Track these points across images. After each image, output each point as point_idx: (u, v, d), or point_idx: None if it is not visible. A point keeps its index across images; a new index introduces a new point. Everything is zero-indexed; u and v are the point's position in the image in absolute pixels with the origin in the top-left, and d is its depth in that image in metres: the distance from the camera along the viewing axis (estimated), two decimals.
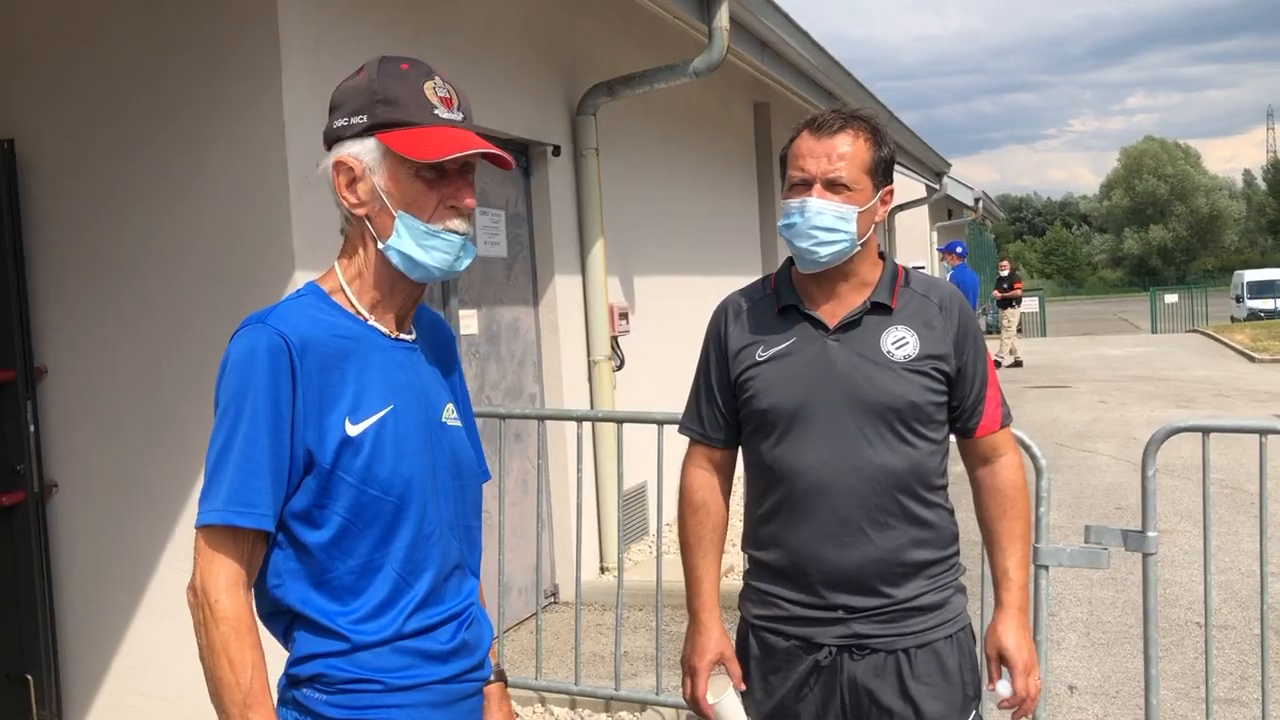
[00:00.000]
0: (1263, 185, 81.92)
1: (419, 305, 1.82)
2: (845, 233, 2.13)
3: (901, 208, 18.25)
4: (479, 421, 5.17)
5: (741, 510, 2.36)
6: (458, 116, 1.70)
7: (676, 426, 2.46)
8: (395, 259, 1.68)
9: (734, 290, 2.36)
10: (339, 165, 1.68)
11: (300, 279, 3.89)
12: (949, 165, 17.10)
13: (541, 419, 4.24)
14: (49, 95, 4.19)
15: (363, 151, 1.66)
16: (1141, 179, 75.06)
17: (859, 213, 2.14)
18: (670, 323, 7.56)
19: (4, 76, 4.23)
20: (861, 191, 2.15)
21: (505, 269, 5.70)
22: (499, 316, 5.62)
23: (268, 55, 3.90)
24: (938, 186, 17.43)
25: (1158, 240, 73.93)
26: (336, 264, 1.75)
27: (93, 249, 4.19)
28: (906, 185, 18.58)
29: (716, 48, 5.92)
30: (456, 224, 1.70)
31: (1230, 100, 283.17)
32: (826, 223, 2.12)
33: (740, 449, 2.32)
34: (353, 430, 1.63)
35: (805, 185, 2.14)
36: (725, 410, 2.28)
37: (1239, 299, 33.37)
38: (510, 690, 4.65)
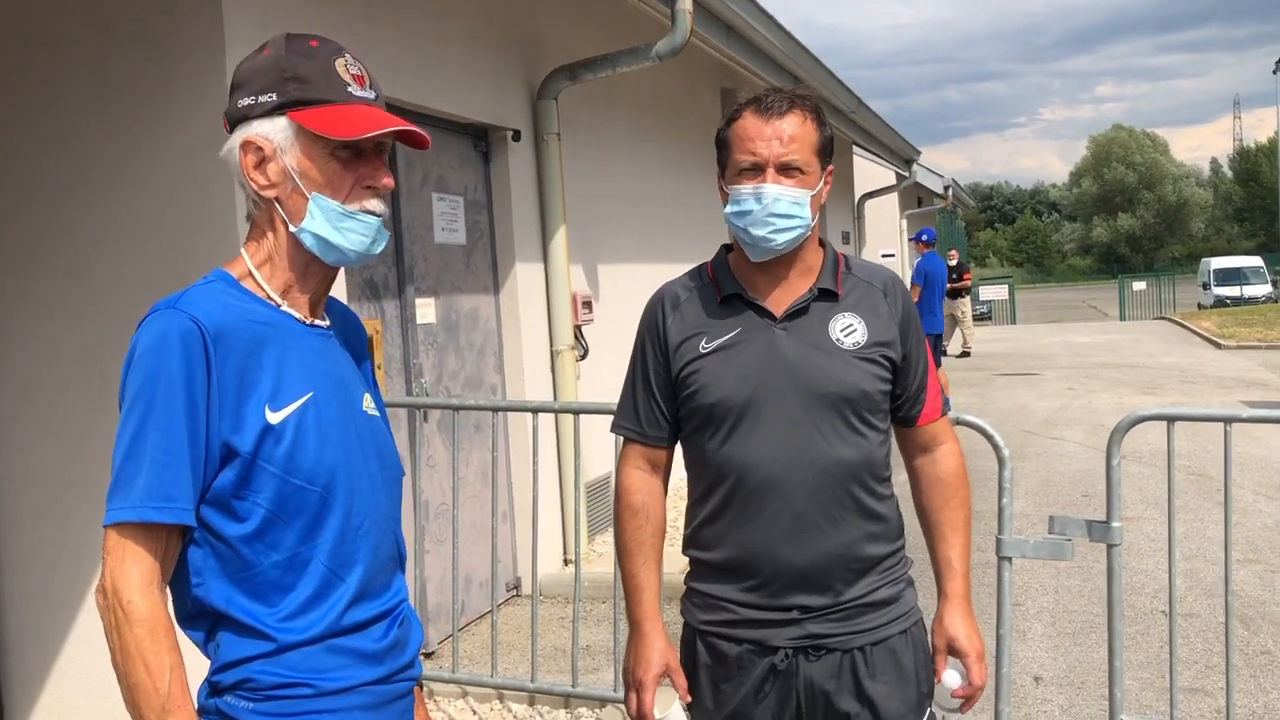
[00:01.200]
0: (1229, 174, 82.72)
1: (327, 296, 1.74)
2: (801, 218, 2.04)
3: (871, 195, 18.22)
4: (435, 413, 5.14)
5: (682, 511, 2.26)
6: (370, 94, 1.65)
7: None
8: (309, 241, 1.62)
9: (667, 281, 2.26)
10: (247, 145, 1.61)
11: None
12: (918, 153, 17.08)
13: (497, 410, 4.14)
14: None
15: (273, 131, 1.60)
16: (1110, 167, 75.57)
17: (810, 196, 2.06)
18: (635, 311, 7.42)
19: None
20: (812, 174, 2.07)
21: (464, 256, 5.59)
22: (458, 305, 5.51)
23: (211, 34, 3.77)
24: (907, 174, 17.40)
25: (1126, 228, 74.48)
26: (243, 249, 1.67)
27: (34, 240, 4.04)
28: (876, 172, 18.56)
29: (680, 31, 5.82)
30: (373, 204, 1.65)
31: (1197, 89, 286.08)
32: (783, 209, 2.03)
33: (683, 448, 2.22)
34: (273, 418, 1.55)
35: (757, 170, 2.05)
36: (664, 407, 2.18)
37: (1206, 286, 33.63)
38: (467, 687, 4.58)
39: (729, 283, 2.15)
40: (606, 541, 6.75)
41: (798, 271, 2.12)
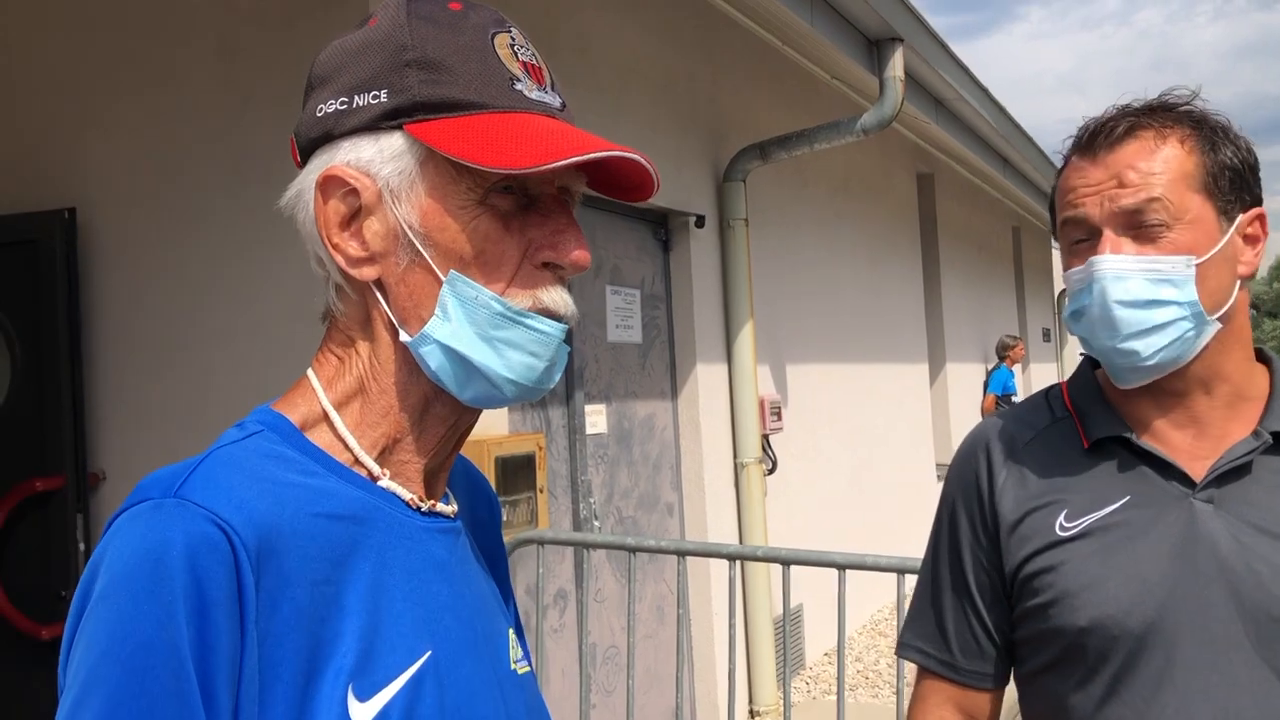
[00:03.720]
0: None
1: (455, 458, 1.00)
2: (1172, 304, 1.22)
3: None
4: (595, 556, 4.35)
5: None
6: (554, 100, 0.91)
7: (903, 630, 1.53)
8: (434, 363, 0.88)
9: (997, 414, 1.45)
10: (328, 185, 0.88)
11: None
12: None
13: (681, 554, 3.37)
14: (115, 157, 3.62)
15: (379, 157, 0.87)
16: None
17: (1197, 264, 1.22)
18: (827, 419, 6.64)
19: (68, 138, 3.68)
20: (1194, 225, 1.23)
21: (639, 357, 4.91)
22: (632, 412, 4.81)
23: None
24: None
25: None
26: (312, 373, 0.93)
27: (159, 332, 3.56)
28: None
29: (889, 101, 5.10)
30: (556, 298, 0.90)
31: None
32: (1135, 293, 1.22)
33: (1020, 692, 1.38)
34: (360, 713, 0.81)
35: (1087, 238, 1.27)
36: (992, 624, 1.36)
37: None
38: None
39: (1101, 418, 1.33)
40: (799, 689, 5.84)
41: (1220, 399, 1.29)
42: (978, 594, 1.35)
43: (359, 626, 0.81)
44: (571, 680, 4.11)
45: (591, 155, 0.84)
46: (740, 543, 5.38)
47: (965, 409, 10.09)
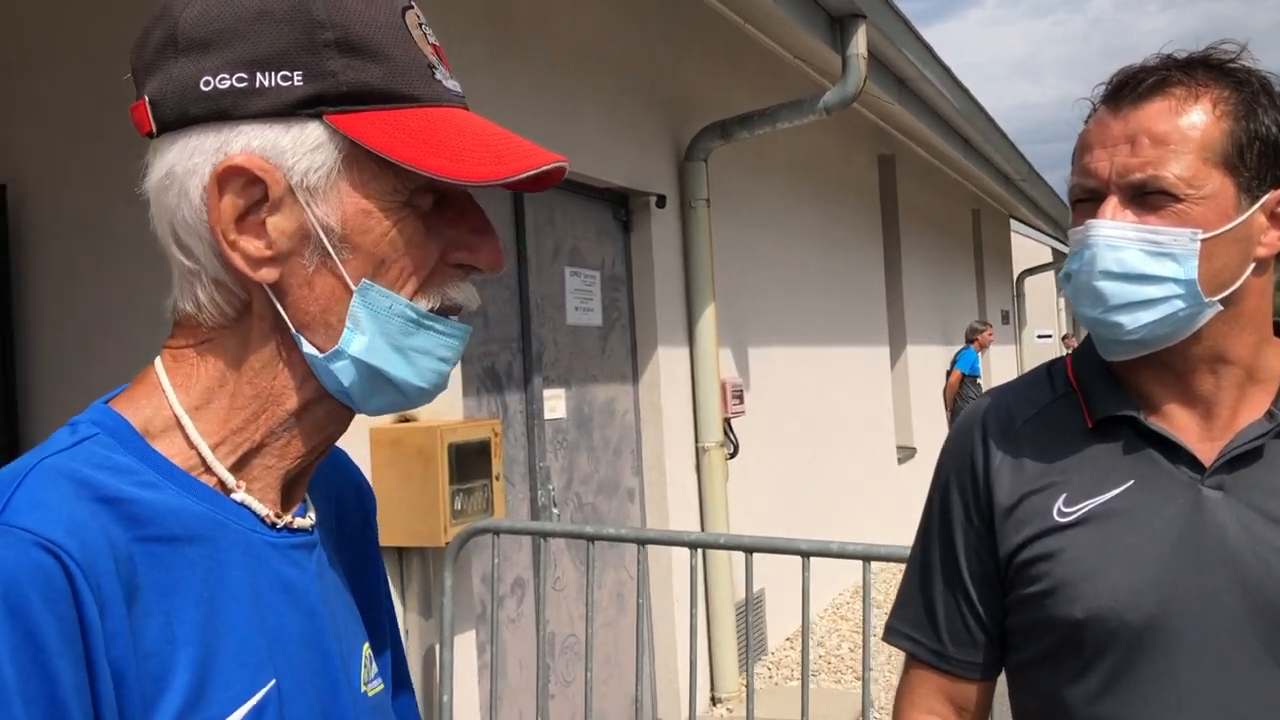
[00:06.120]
0: None
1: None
2: (1167, 280, 1.14)
3: (1031, 271, 17.03)
4: (554, 543, 4.25)
5: None
6: (458, 88, 0.83)
7: (888, 622, 1.43)
8: (347, 379, 0.80)
9: (989, 390, 1.36)
10: (230, 176, 0.77)
11: None
12: None
13: (644, 543, 3.29)
14: (47, 132, 3.46)
15: (292, 149, 0.77)
16: None
17: (1202, 240, 1.14)
18: (789, 402, 6.57)
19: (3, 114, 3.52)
20: (1208, 200, 1.14)
21: (599, 340, 4.80)
22: (592, 397, 4.71)
23: None
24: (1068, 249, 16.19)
25: None
26: (162, 371, 0.82)
27: (92, 311, 3.41)
28: (1032, 249, 17.41)
29: (852, 79, 5.03)
30: (464, 294, 0.83)
31: None
32: (1126, 263, 1.14)
33: (1011, 683, 1.30)
34: None
35: (1092, 198, 1.18)
36: (984, 611, 1.27)
37: None
38: None
39: (1107, 395, 1.23)
40: (761, 674, 5.79)
41: (1232, 379, 1.20)
42: (970, 581, 1.27)
43: (192, 659, 0.72)
44: (529, 671, 4.02)
45: (542, 168, 0.77)
46: (702, 528, 5.31)
47: (926, 392, 10.09)
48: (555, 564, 4.31)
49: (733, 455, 5.63)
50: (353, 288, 0.78)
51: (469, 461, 3.21)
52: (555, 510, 4.27)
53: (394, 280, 0.79)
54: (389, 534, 3.11)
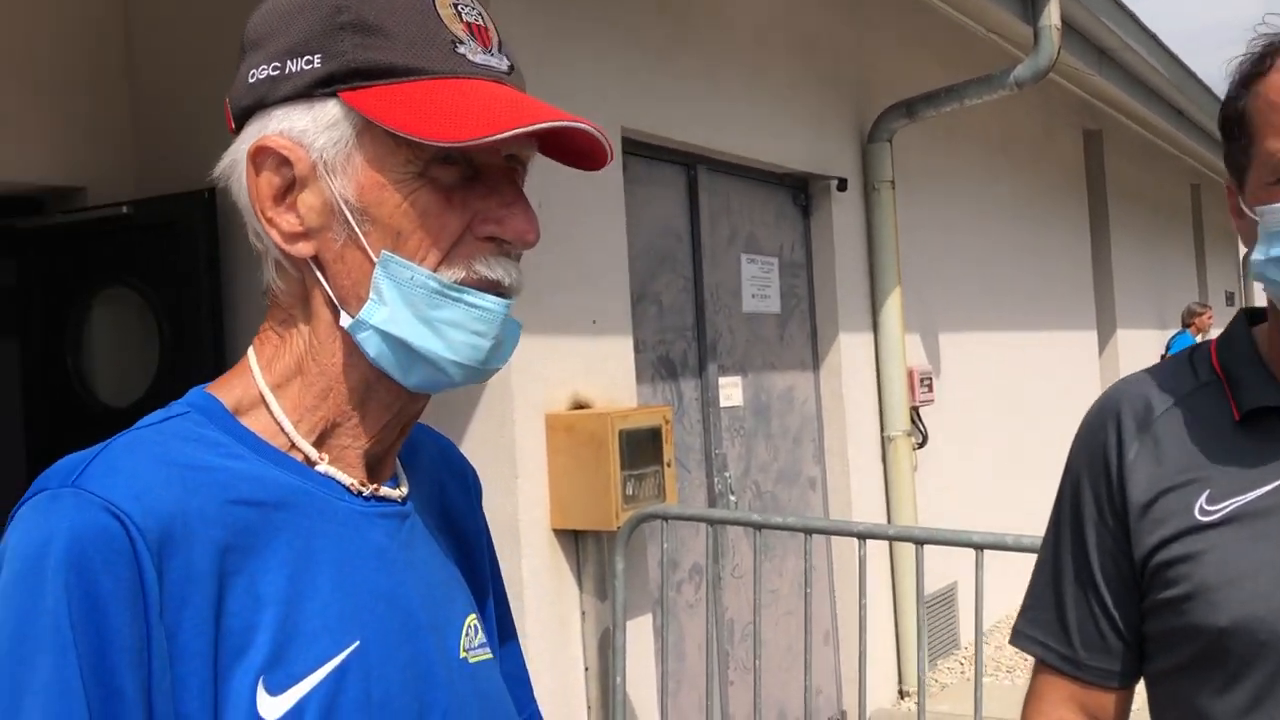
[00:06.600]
0: None
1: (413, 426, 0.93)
2: None
3: None
4: (732, 530, 4.24)
5: None
6: (500, 63, 0.85)
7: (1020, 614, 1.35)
8: (372, 349, 0.83)
9: (1126, 377, 1.27)
10: (260, 156, 0.83)
11: (518, 347, 3.13)
12: None
13: (809, 532, 3.25)
14: None
15: (312, 127, 0.82)
16: None
17: None
18: (985, 390, 6.34)
19: (206, 119, 3.78)
20: None
21: (778, 327, 4.76)
22: (769, 384, 4.68)
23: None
24: None
25: None
26: (252, 353, 0.88)
27: None
28: None
29: (1044, 52, 4.78)
30: (497, 271, 0.84)
31: None
32: None
33: (1150, 693, 1.22)
34: (271, 708, 0.76)
35: None
36: (1119, 616, 1.19)
37: None
38: None
39: (1257, 385, 1.14)
40: (952, 669, 5.62)
41: None
42: (1103, 583, 1.18)
43: (275, 618, 0.77)
44: (711, 655, 4.04)
45: (532, 127, 0.78)
46: (888, 519, 5.20)
47: None
48: (734, 551, 4.31)
49: (921, 445, 5.48)
50: (374, 259, 0.81)
51: (640, 448, 3.25)
52: (732, 497, 4.26)
53: (414, 252, 0.81)
54: (564, 517, 3.19)
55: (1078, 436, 1.26)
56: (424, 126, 0.77)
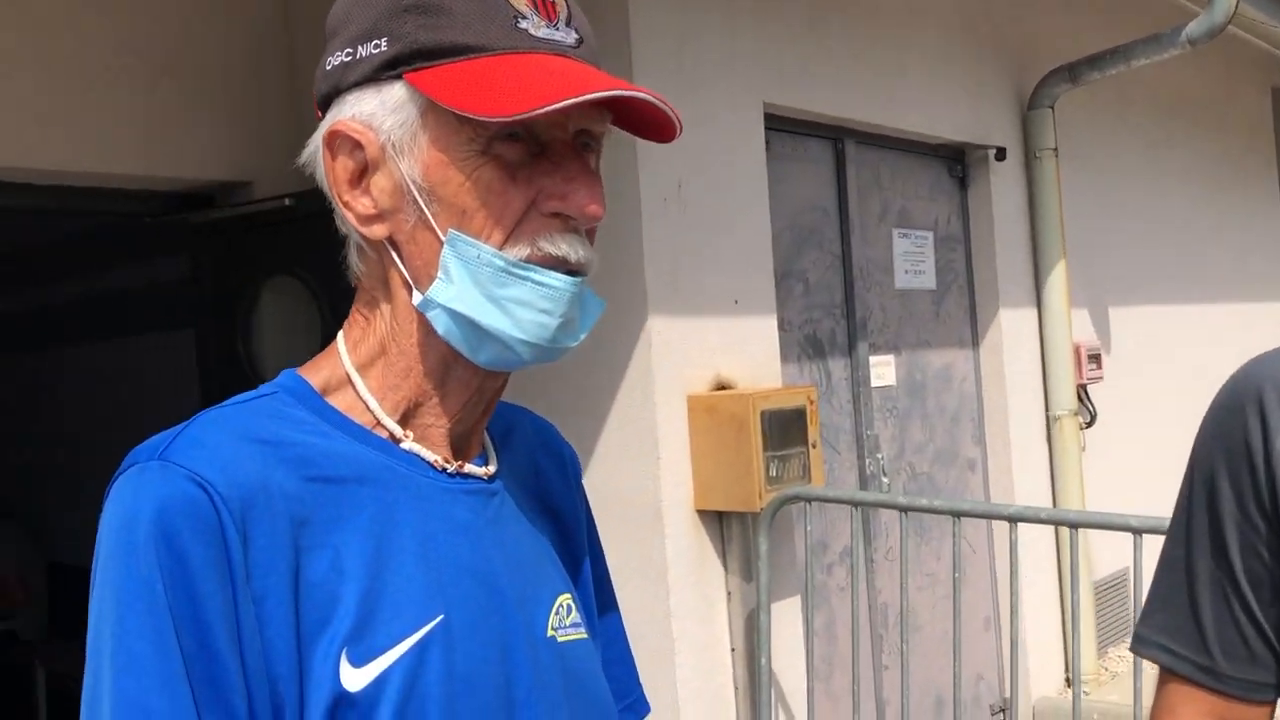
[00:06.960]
0: None
1: (498, 406, 0.94)
2: None
3: None
4: (884, 513, 4.15)
5: None
6: (567, 36, 0.84)
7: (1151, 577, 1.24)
8: (442, 328, 0.85)
9: (1259, 355, 1.15)
10: (334, 140, 0.86)
11: (659, 328, 3.14)
12: None
13: (957, 515, 3.15)
14: None
15: (380, 110, 0.84)
16: None
17: None
18: (1160, 367, 6.01)
19: None
20: None
21: (933, 304, 4.62)
22: (925, 363, 4.55)
23: (618, 53, 3.21)
24: None
25: None
26: (341, 335, 0.91)
27: None
28: None
29: (1220, 6, 4.47)
30: (563, 248, 0.84)
31: None
32: None
33: None
34: (354, 680, 0.77)
35: None
36: (1269, 623, 1.08)
37: None
38: None
39: None
40: (1125, 658, 5.37)
41: None
42: (1248, 585, 1.07)
43: (358, 591, 0.78)
44: (861, 640, 3.97)
45: (581, 99, 0.76)
46: (1054, 501, 5.00)
47: None
48: (887, 534, 4.22)
49: (1089, 424, 5.24)
50: (442, 238, 0.82)
51: (785, 428, 3.21)
52: (885, 479, 4.17)
53: (479, 229, 0.81)
54: (707, 498, 3.18)
55: (1205, 423, 1.15)
56: (477, 103, 0.78)
